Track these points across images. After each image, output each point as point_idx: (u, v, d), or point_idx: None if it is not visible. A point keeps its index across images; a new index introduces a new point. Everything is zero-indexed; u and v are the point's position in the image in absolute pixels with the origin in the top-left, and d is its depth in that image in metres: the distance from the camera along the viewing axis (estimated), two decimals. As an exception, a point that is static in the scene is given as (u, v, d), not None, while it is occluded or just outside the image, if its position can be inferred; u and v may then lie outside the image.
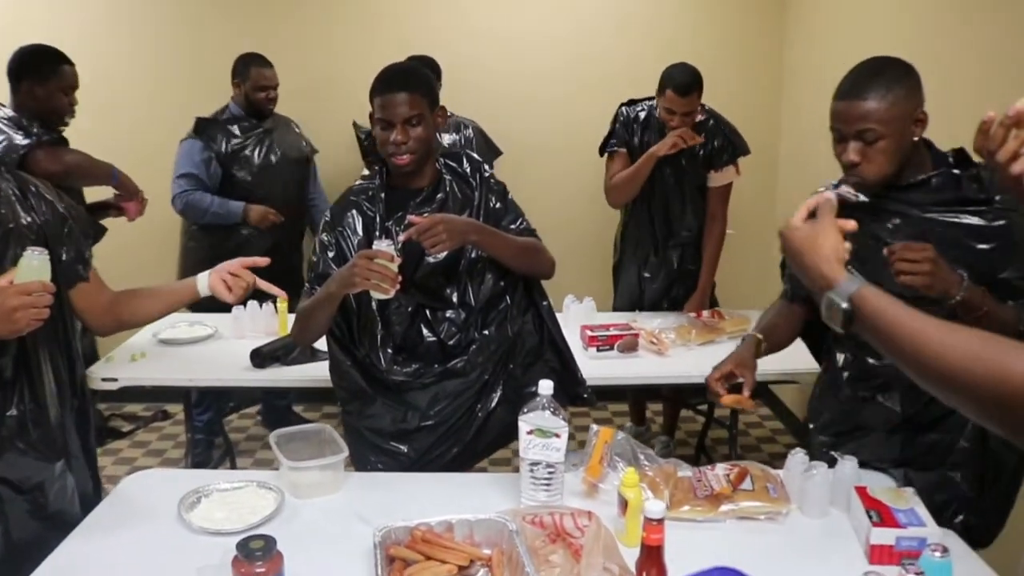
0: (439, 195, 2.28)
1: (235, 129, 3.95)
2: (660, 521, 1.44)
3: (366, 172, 2.84)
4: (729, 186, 3.72)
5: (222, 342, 3.37)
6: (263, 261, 2.12)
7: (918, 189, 1.96)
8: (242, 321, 3.40)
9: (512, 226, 2.34)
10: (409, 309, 2.26)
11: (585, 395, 2.47)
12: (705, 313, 3.41)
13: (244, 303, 3.45)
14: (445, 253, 2.20)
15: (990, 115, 1.32)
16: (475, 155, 2.43)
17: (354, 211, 2.27)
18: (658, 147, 3.46)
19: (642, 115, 3.68)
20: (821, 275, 1.23)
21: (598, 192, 3.82)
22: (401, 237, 2.15)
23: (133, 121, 4.64)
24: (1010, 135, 1.29)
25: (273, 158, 3.99)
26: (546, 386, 1.89)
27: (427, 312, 2.28)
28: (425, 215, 2.13)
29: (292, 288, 3.81)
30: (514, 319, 2.37)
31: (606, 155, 3.73)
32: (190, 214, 3.93)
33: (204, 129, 3.93)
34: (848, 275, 1.19)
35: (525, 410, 1.89)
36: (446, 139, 4.19)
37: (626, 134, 3.68)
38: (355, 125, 4.07)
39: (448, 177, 2.31)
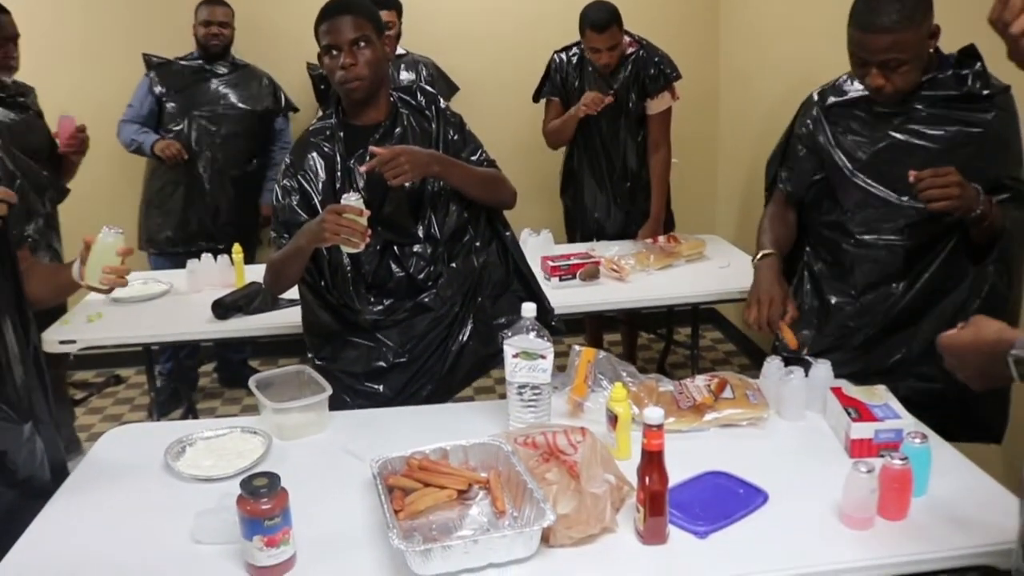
0: (397, 130, 2.26)
1: (188, 72, 3.93)
2: (660, 427, 1.48)
3: (320, 113, 2.79)
4: (668, 112, 3.77)
5: (179, 297, 3.30)
6: (131, 250, 1.88)
7: (923, 88, 2.02)
8: (197, 275, 3.33)
9: (472, 157, 2.34)
10: (377, 247, 2.25)
11: (553, 323, 2.50)
12: (661, 238, 3.45)
13: (198, 256, 3.40)
14: (408, 184, 2.19)
15: None
16: (429, 88, 2.41)
17: (314, 153, 2.25)
18: (575, 110, 3.61)
19: (574, 59, 3.77)
20: (997, 344, 1.29)
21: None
22: (363, 168, 2.14)
23: (95, 73, 4.48)
24: None
25: (223, 105, 3.95)
26: (529, 308, 1.91)
27: (395, 248, 2.28)
28: (382, 148, 2.12)
29: (250, 242, 3.83)
30: (479, 251, 2.38)
31: (542, 101, 3.85)
32: (121, 140, 3.97)
33: (153, 67, 3.94)
34: (1017, 332, 1.28)
35: (509, 333, 1.91)
36: (403, 76, 4.16)
37: (560, 81, 3.80)
38: (308, 66, 4.03)
39: (404, 111, 2.29)
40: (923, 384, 2.10)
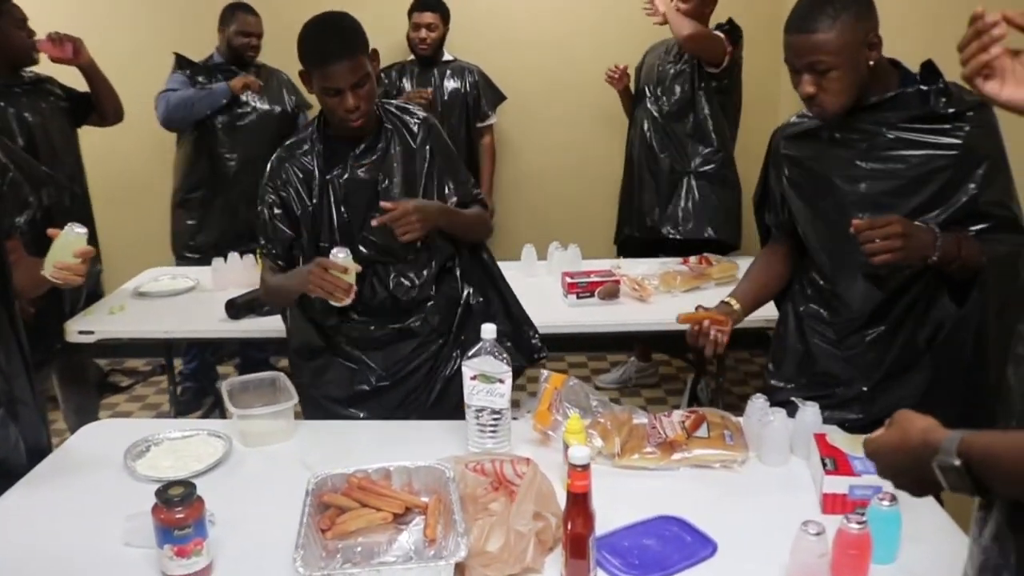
0: (380, 144, 2.19)
1: (217, 74, 3.90)
2: (585, 467, 1.38)
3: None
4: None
5: (202, 294, 3.33)
6: (90, 252, 1.84)
7: (884, 108, 1.88)
8: (222, 273, 3.36)
9: (474, 191, 2.34)
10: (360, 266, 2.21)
11: (537, 357, 2.44)
12: (692, 259, 3.31)
13: (224, 255, 3.42)
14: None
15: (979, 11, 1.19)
16: (431, 117, 2.32)
17: (293, 167, 2.19)
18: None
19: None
20: (923, 448, 1.08)
21: (597, 135, 3.72)
22: (374, 223, 2.11)
23: (116, 69, 4.56)
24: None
25: (250, 107, 3.93)
26: (489, 330, 1.83)
27: (377, 267, 2.23)
28: (393, 203, 2.08)
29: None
30: (464, 277, 2.34)
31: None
32: (176, 116, 3.82)
33: (186, 66, 3.92)
34: (945, 431, 1.07)
35: (469, 355, 1.83)
36: (450, 85, 4.12)
37: None
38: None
39: (389, 125, 2.22)
40: None
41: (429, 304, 2.26)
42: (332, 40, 2.03)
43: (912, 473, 1.12)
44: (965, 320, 1.88)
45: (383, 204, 2.09)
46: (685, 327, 2.03)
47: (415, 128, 2.23)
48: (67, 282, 1.77)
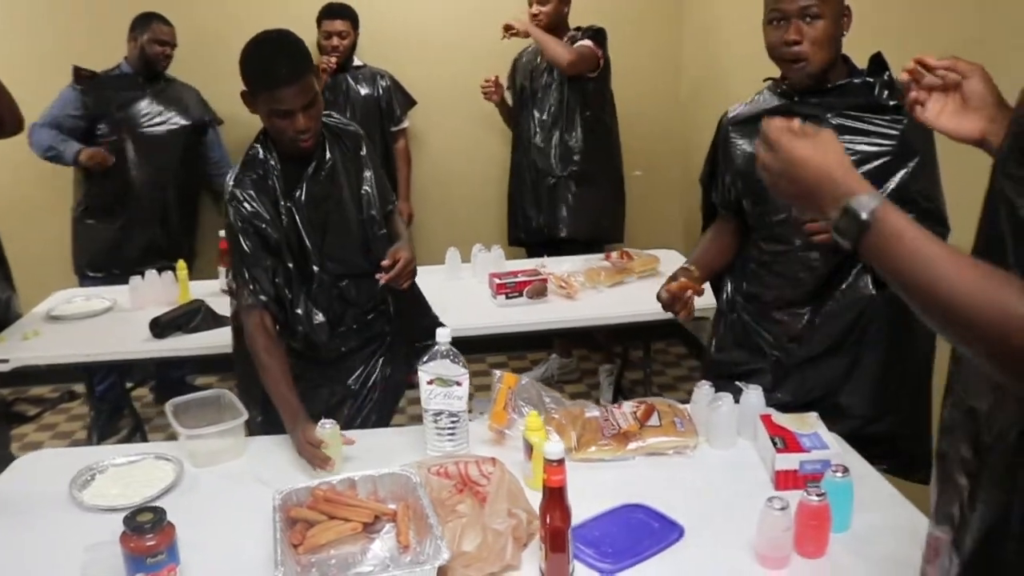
0: (328, 159, 2.18)
1: (122, 87, 3.81)
2: (560, 462, 1.41)
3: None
4: None
5: (121, 314, 3.22)
6: None
7: (832, 94, 1.98)
8: (140, 291, 3.26)
9: (390, 207, 2.36)
10: (328, 282, 2.21)
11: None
12: (614, 255, 3.39)
13: (134, 273, 3.32)
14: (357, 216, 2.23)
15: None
16: (359, 130, 2.32)
17: (259, 193, 2.12)
18: None
19: None
20: (836, 183, 1.04)
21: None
22: (382, 281, 2.14)
23: (11, 76, 4.36)
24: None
25: (159, 121, 3.84)
26: (444, 334, 1.85)
27: (344, 281, 2.23)
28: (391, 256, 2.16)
29: (186, 256, 3.73)
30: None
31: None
32: (34, 144, 3.73)
33: (83, 80, 3.79)
34: (872, 188, 1.04)
35: (424, 359, 1.85)
36: (362, 91, 4.10)
37: None
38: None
39: (327, 136, 2.21)
40: (852, 420, 2.04)
41: (382, 310, 2.31)
42: (281, 63, 1.99)
43: (809, 197, 1.09)
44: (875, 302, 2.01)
45: (384, 263, 2.13)
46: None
47: (352, 140, 2.24)
48: None
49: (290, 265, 2.13)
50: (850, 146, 1.93)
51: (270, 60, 2.00)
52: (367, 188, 2.22)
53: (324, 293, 2.18)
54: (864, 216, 0.99)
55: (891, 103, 1.93)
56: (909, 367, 2.07)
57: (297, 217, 2.12)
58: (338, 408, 2.26)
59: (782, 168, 1.11)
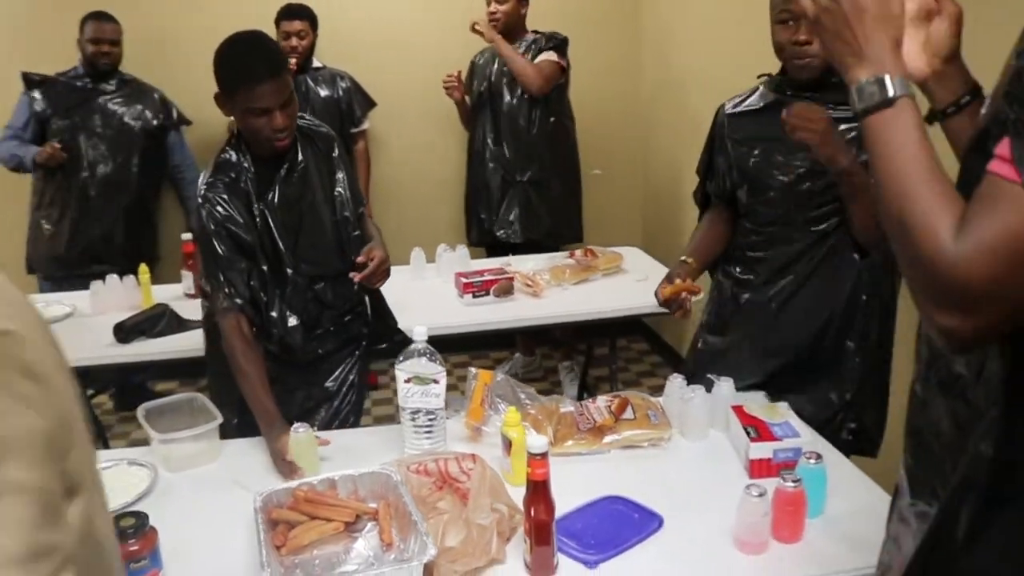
0: (300, 161, 2.18)
1: (72, 89, 3.76)
2: (543, 455, 1.43)
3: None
4: None
5: (82, 320, 3.16)
6: None
7: (830, 90, 2.02)
8: (102, 296, 3.20)
9: (361, 210, 2.34)
10: (303, 285, 2.20)
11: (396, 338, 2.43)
12: (578, 253, 3.42)
13: (103, 277, 3.28)
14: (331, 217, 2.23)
15: None
16: (331, 131, 2.32)
17: (227, 194, 2.09)
18: None
19: None
20: (884, 51, 1.04)
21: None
22: (357, 278, 2.15)
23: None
24: None
25: (113, 122, 3.80)
26: (420, 332, 1.86)
27: (319, 284, 2.22)
28: (365, 254, 2.16)
29: (145, 259, 3.68)
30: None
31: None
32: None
33: (35, 85, 3.76)
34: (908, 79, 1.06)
35: (401, 358, 1.85)
36: (322, 92, 4.08)
37: None
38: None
39: (303, 141, 2.20)
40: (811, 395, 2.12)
41: (359, 312, 2.31)
42: (258, 61, 1.99)
43: (849, 44, 1.07)
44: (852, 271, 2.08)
45: (359, 260, 2.14)
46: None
47: (324, 142, 2.23)
48: None
49: (264, 268, 2.11)
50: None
51: (247, 57, 2.00)
52: (340, 189, 2.21)
53: (299, 296, 2.17)
54: (892, 94, 1.01)
55: None
56: (883, 342, 2.15)
57: (270, 219, 2.11)
58: (315, 411, 2.25)
59: (830, 30, 1.09)
